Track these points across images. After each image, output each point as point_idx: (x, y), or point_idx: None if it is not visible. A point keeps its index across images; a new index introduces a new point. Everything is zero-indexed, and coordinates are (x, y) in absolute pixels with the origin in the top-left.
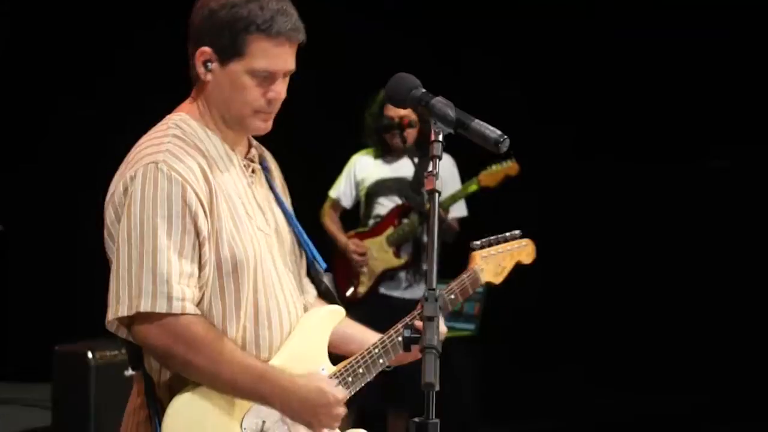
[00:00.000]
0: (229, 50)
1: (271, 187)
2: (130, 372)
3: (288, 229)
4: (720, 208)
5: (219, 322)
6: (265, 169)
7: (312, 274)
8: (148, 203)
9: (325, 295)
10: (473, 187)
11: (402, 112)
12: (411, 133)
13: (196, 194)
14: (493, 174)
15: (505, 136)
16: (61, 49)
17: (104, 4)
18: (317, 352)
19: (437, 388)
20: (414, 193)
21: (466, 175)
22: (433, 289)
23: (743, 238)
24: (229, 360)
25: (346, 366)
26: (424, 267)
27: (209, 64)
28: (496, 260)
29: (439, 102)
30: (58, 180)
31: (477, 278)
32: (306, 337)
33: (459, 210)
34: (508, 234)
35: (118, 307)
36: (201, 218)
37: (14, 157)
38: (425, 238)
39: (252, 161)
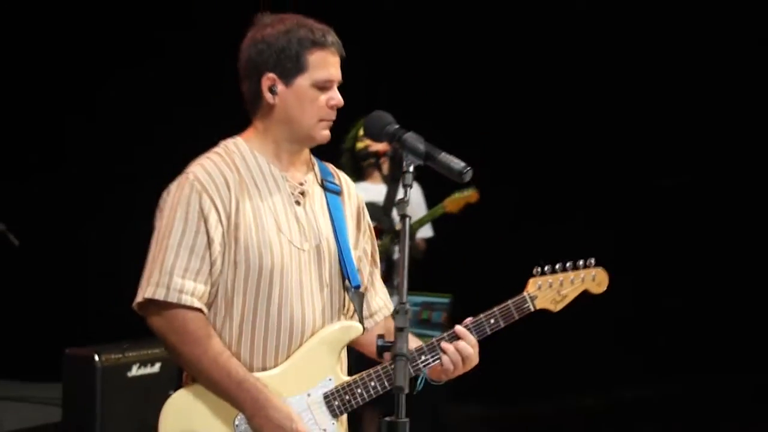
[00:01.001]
0: (293, 69)
1: (332, 208)
2: (132, 373)
3: (335, 248)
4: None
5: (224, 313)
6: (332, 190)
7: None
8: (172, 207)
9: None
10: (439, 212)
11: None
12: (385, 161)
13: (212, 200)
14: (456, 201)
15: (469, 167)
16: (70, 62)
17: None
18: (325, 364)
19: (407, 391)
20: (385, 216)
21: (432, 200)
22: (404, 303)
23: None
24: (213, 360)
25: (355, 379)
26: (395, 282)
27: (275, 88)
28: (554, 289)
29: (411, 137)
30: (71, 191)
31: (525, 304)
32: (315, 349)
33: (425, 231)
34: (580, 261)
35: (138, 294)
36: (212, 222)
37: (27, 165)
38: (396, 256)
39: (303, 183)
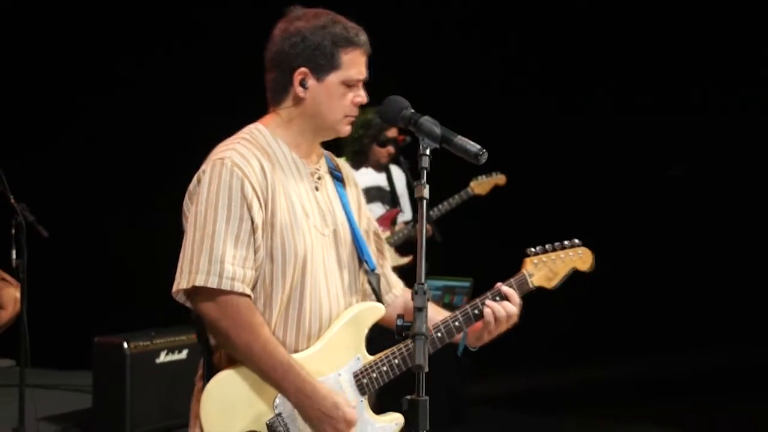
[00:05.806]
0: (326, 66)
1: (340, 194)
2: (160, 360)
3: (349, 232)
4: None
5: (263, 302)
6: (336, 178)
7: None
8: (212, 193)
9: (371, 293)
10: (467, 196)
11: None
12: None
13: (253, 187)
14: (483, 184)
15: (484, 150)
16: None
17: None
18: (353, 343)
19: (426, 369)
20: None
21: (457, 183)
22: (422, 284)
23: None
24: (262, 348)
25: (381, 357)
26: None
27: (306, 82)
28: (547, 266)
29: (427, 121)
30: (100, 182)
31: (525, 282)
32: (343, 330)
33: (408, 215)
34: (566, 242)
35: (181, 280)
36: (255, 208)
37: (56, 157)
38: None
39: (318, 170)
